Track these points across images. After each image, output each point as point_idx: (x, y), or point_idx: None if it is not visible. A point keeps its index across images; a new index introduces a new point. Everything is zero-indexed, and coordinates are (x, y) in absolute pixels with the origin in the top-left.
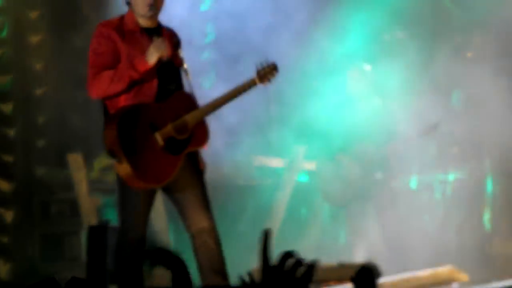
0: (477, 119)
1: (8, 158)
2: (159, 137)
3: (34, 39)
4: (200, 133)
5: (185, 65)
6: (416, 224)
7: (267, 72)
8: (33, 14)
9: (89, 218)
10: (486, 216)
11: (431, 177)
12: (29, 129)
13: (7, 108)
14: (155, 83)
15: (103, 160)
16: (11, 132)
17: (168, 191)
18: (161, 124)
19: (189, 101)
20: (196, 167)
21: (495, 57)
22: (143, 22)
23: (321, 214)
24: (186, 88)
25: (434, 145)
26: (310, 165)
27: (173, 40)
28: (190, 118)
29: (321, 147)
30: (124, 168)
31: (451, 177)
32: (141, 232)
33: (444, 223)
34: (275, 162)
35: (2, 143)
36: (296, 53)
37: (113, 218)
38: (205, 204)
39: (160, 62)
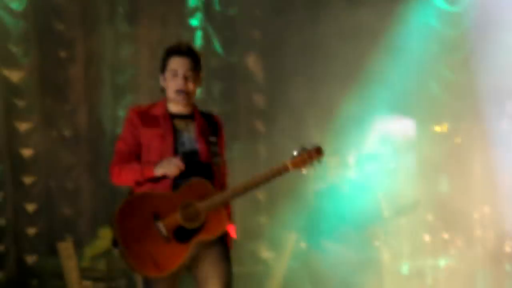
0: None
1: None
2: (162, 226)
3: (24, 127)
4: (215, 222)
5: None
6: None
7: (307, 158)
8: (22, 103)
9: None
10: None
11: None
12: (19, 217)
13: None
14: (169, 179)
15: (94, 248)
16: (2, 221)
17: (189, 268)
18: (167, 213)
19: (203, 189)
20: (223, 248)
21: None
22: (175, 108)
23: None
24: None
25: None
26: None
27: (207, 128)
28: (201, 206)
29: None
30: (125, 258)
31: (441, 263)
32: None
33: None
34: (266, 252)
35: None
36: None
37: None
38: (224, 278)
39: (178, 150)
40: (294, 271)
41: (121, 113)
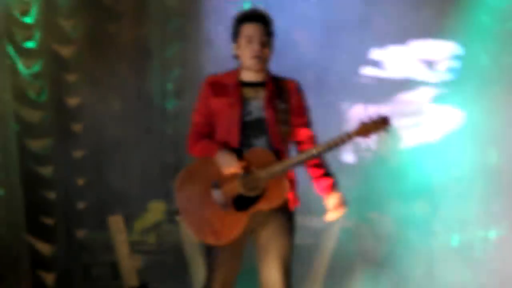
0: None
1: (49, 221)
2: (220, 194)
3: (72, 101)
4: (275, 191)
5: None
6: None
7: (372, 127)
8: (71, 78)
9: (130, 280)
10: None
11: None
12: (69, 191)
13: (47, 171)
14: (235, 140)
15: (143, 222)
16: (51, 195)
17: (254, 235)
18: (226, 181)
19: (264, 157)
20: (286, 218)
21: None
22: (247, 76)
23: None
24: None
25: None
26: (348, 223)
27: (277, 95)
28: (260, 174)
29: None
30: (186, 226)
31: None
32: (225, 279)
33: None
34: (315, 222)
35: (42, 206)
36: None
37: (154, 278)
38: (281, 260)
39: (246, 119)
40: (342, 243)
41: (169, 86)
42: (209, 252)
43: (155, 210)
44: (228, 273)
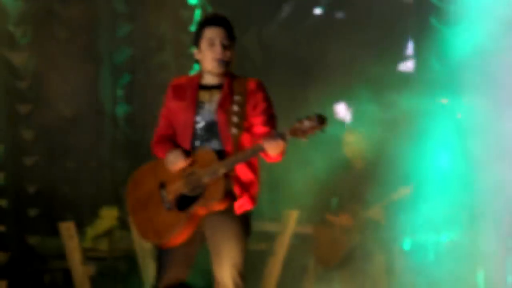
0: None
1: (1, 228)
2: (164, 194)
3: (24, 109)
4: (213, 190)
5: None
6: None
7: (307, 128)
8: (23, 85)
9: (83, 287)
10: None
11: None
12: (20, 198)
13: None
14: (187, 144)
15: (96, 228)
16: (3, 202)
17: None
18: (171, 181)
19: (209, 157)
20: (233, 221)
21: None
22: (207, 80)
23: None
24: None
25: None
26: (303, 229)
27: (231, 97)
28: (204, 172)
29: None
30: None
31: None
32: (170, 283)
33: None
34: (269, 226)
35: None
36: None
37: (106, 286)
38: (232, 266)
39: (201, 122)
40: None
41: (120, 93)
42: (159, 254)
43: (107, 217)
44: (174, 276)
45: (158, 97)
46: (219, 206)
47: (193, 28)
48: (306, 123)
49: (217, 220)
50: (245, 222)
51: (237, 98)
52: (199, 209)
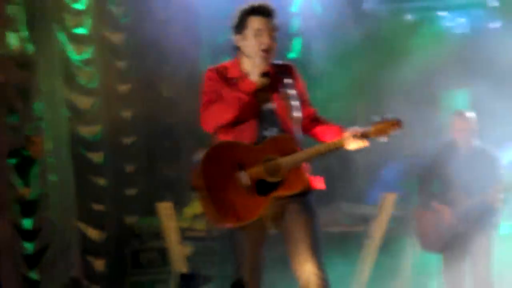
0: None
1: (99, 207)
2: (246, 176)
3: (123, 88)
4: (294, 179)
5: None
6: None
7: (385, 128)
8: (121, 64)
9: (179, 267)
10: None
11: None
12: (119, 178)
13: (98, 157)
14: (253, 127)
15: (193, 208)
16: (102, 181)
17: (277, 225)
18: (250, 164)
19: (287, 145)
20: (307, 203)
21: None
22: (251, 67)
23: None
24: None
25: None
26: (399, 212)
27: (281, 82)
28: (283, 161)
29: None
30: (205, 205)
31: None
32: (251, 270)
33: None
34: (367, 209)
35: (93, 192)
36: None
37: (203, 265)
38: (312, 245)
39: (260, 109)
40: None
41: None
42: (233, 242)
43: None
44: (254, 260)
45: None
46: (300, 191)
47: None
48: (385, 125)
49: (287, 204)
50: (315, 204)
51: (288, 82)
52: (279, 195)
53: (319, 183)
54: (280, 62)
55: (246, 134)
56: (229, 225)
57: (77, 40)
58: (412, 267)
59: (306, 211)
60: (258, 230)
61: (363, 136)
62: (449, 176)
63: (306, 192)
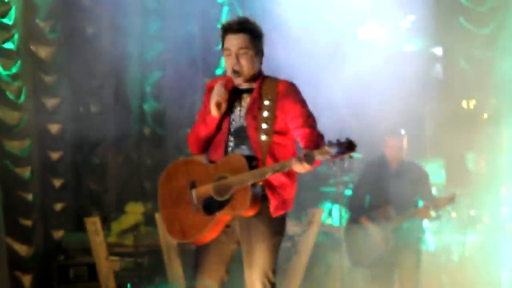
0: None
1: (27, 222)
2: (194, 195)
3: (51, 103)
4: (240, 199)
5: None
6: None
7: (336, 154)
8: (49, 79)
9: (108, 282)
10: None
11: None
12: (46, 193)
13: (25, 172)
14: (224, 145)
15: (121, 224)
16: (29, 197)
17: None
18: (202, 182)
19: (238, 164)
20: (265, 223)
21: None
22: (237, 82)
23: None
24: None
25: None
26: (328, 227)
27: (260, 102)
28: (231, 181)
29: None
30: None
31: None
32: (207, 283)
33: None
34: (294, 225)
35: (20, 207)
36: None
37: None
38: (261, 271)
39: (231, 127)
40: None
41: (148, 89)
42: (196, 254)
43: (133, 212)
44: (211, 277)
45: (186, 94)
46: (247, 214)
47: (219, 25)
48: (335, 149)
49: (250, 222)
50: (278, 225)
51: (266, 103)
52: (225, 216)
53: (280, 207)
54: (277, 78)
55: (218, 151)
56: (176, 240)
57: (4, 54)
58: (341, 283)
59: (261, 238)
60: (218, 249)
61: (309, 159)
62: (380, 191)
63: (267, 214)
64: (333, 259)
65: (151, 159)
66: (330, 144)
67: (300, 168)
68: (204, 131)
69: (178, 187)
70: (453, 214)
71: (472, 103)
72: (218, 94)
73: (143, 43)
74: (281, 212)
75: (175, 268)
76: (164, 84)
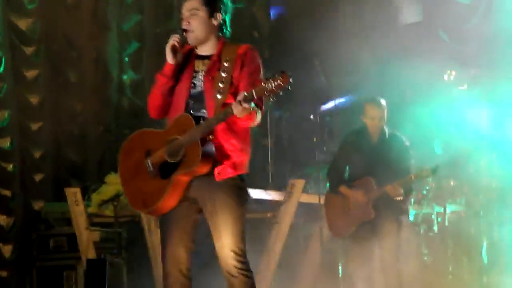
0: None
1: (6, 193)
2: (148, 162)
3: (30, 74)
4: (191, 156)
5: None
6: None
7: (272, 87)
8: (29, 50)
9: (88, 252)
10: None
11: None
12: (26, 163)
13: (5, 143)
14: (181, 109)
15: (101, 194)
16: (9, 167)
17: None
18: (155, 150)
19: (186, 124)
20: (224, 188)
21: None
22: (202, 50)
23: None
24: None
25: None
26: (309, 198)
27: (218, 65)
28: (183, 139)
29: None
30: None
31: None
32: (174, 255)
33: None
34: (275, 195)
35: (0, 177)
36: None
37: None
38: (231, 236)
39: (190, 91)
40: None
41: (127, 59)
42: (161, 228)
43: (113, 183)
44: (177, 248)
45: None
46: (201, 171)
47: None
48: (271, 83)
49: (206, 190)
50: (236, 190)
51: (225, 64)
52: (181, 176)
53: (227, 170)
54: (237, 43)
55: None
56: (140, 211)
57: None
58: (321, 253)
59: (224, 202)
60: (179, 219)
61: (248, 99)
62: (359, 163)
63: (227, 179)
64: (313, 229)
65: (129, 130)
66: (265, 79)
67: (241, 110)
68: (160, 86)
69: (136, 159)
70: (433, 185)
71: None
72: (173, 38)
73: (121, 13)
74: (228, 176)
75: (155, 238)
76: (143, 55)
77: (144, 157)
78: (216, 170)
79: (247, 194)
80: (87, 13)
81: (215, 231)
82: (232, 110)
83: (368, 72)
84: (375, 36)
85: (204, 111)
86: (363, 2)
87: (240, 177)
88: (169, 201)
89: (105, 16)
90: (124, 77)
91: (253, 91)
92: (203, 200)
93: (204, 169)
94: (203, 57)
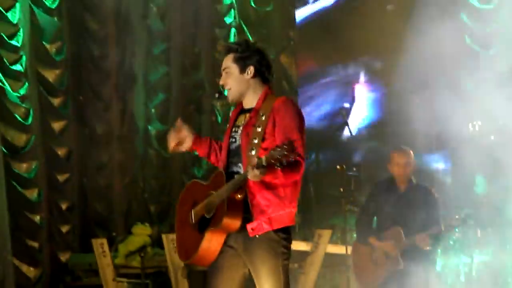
0: None
1: (34, 244)
2: (192, 214)
3: (58, 125)
4: (219, 213)
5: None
6: None
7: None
8: (56, 101)
9: None
10: None
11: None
12: (53, 214)
13: (32, 194)
14: (223, 163)
15: (127, 245)
16: (36, 218)
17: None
18: (200, 202)
19: (220, 178)
20: (262, 246)
21: None
22: (247, 103)
23: None
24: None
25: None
26: (335, 248)
27: (255, 119)
28: (215, 196)
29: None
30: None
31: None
32: None
33: None
34: (301, 246)
35: (28, 229)
36: None
37: None
38: (267, 282)
39: (230, 146)
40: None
41: (153, 110)
42: (207, 278)
43: (140, 234)
44: None
45: (192, 115)
46: (229, 228)
47: None
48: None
49: (242, 246)
50: (269, 243)
51: (261, 119)
52: (212, 232)
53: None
54: (273, 98)
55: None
56: (183, 261)
57: (13, 76)
58: None
59: (260, 262)
60: (233, 271)
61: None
62: (387, 213)
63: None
64: (341, 280)
65: (156, 181)
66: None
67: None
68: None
69: (185, 210)
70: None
71: None
72: (168, 137)
73: (148, 64)
74: (263, 232)
75: None
76: (170, 106)
77: (191, 208)
78: (250, 226)
79: (281, 246)
80: (114, 64)
81: (258, 283)
82: (245, 175)
83: None
84: None
85: (241, 165)
86: None
87: (275, 231)
88: (205, 255)
89: (132, 68)
90: (150, 128)
91: (263, 159)
92: (245, 254)
93: (232, 226)
94: (245, 111)
